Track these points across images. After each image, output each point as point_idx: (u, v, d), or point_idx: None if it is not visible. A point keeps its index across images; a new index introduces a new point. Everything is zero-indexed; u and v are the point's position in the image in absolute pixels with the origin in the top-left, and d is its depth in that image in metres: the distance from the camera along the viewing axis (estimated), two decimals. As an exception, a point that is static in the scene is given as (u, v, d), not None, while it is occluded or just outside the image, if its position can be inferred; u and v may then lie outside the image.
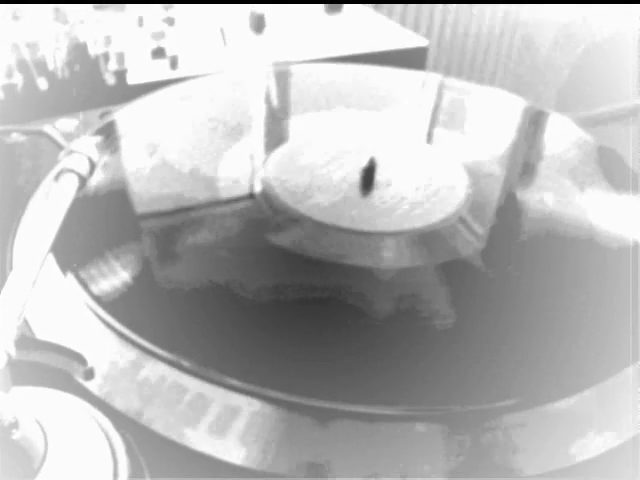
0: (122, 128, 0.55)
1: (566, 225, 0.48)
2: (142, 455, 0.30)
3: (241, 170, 0.51)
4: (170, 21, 0.77)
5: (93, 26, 0.67)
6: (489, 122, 0.63)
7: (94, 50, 0.64)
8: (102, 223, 0.45)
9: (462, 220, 0.47)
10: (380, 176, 0.50)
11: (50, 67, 0.62)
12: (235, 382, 0.34)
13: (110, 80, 0.64)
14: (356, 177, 0.50)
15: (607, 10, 1.01)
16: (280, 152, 0.53)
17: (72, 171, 0.40)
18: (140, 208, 0.47)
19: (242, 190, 0.49)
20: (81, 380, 0.33)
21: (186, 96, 0.62)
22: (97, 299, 0.38)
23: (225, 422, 0.33)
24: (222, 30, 0.77)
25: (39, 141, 0.54)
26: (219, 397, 0.34)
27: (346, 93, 0.66)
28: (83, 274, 0.40)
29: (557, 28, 1.11)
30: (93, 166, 0.42)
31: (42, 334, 0.37)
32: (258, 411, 0.33)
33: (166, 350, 0.35)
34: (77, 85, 0.62)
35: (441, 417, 0.34)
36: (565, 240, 0.47)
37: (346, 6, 0.88)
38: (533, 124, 0.64)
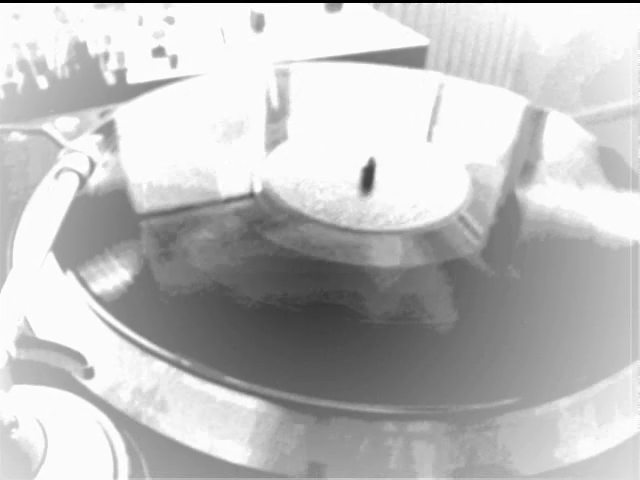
0: (122, 127, 0.55)
1: (566, 224, 0.48)
2: (142, 454, 0.30)
3: (241, 169, 0.51)
4: (170, 20, 0.77)
5: (93, 25, 0.67)
6: (489, 121, 0.63)
7: (94, 49, 0.64)
8: (102, 222, 0.45)
9: (462, 219, 0.47)
10: (380, 175, 0.50)
11: (50, 66, 0.62)
12: (235, 381, 0.34)
13: (110, 79, 0.64)
14: (356, 176, 0.50)
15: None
16: (280, 151, 0.53)
17: (72, 170, 0.40)
18: (140, 207, 0.47)
19: (242, 189, 0.49)
20: (81, 379, 0.33)
21: (186, 95, 0.62)
22: (97, 298, 0.38)
23: (225, 421, 0.33)
24: (222, 29, 0.77)
25: (39, 140, 0.54)
26: (219, 396, 0.34)
27: (346, 92, 0.66)
28: (83, 273, 0.40)
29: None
30: (93, 165, 0.42)
31: (42, 333, 0.37)
32: (258, 410, 0.33)
33: (166, 349, 0.35)
34: (77, 84, 0.62)
35: (441, 416, 0.34)
36: (565, 239, 0.47)
37: (346, 5, 0.88)
38: (533, 123, 0.64)
